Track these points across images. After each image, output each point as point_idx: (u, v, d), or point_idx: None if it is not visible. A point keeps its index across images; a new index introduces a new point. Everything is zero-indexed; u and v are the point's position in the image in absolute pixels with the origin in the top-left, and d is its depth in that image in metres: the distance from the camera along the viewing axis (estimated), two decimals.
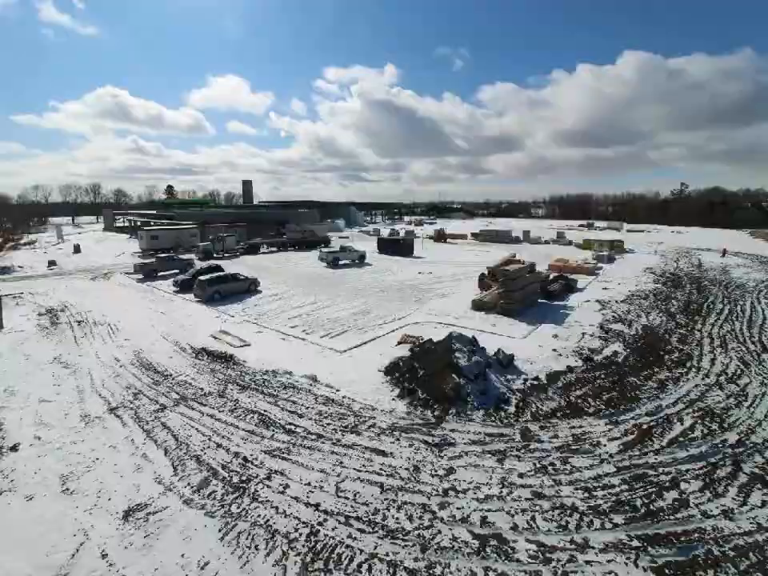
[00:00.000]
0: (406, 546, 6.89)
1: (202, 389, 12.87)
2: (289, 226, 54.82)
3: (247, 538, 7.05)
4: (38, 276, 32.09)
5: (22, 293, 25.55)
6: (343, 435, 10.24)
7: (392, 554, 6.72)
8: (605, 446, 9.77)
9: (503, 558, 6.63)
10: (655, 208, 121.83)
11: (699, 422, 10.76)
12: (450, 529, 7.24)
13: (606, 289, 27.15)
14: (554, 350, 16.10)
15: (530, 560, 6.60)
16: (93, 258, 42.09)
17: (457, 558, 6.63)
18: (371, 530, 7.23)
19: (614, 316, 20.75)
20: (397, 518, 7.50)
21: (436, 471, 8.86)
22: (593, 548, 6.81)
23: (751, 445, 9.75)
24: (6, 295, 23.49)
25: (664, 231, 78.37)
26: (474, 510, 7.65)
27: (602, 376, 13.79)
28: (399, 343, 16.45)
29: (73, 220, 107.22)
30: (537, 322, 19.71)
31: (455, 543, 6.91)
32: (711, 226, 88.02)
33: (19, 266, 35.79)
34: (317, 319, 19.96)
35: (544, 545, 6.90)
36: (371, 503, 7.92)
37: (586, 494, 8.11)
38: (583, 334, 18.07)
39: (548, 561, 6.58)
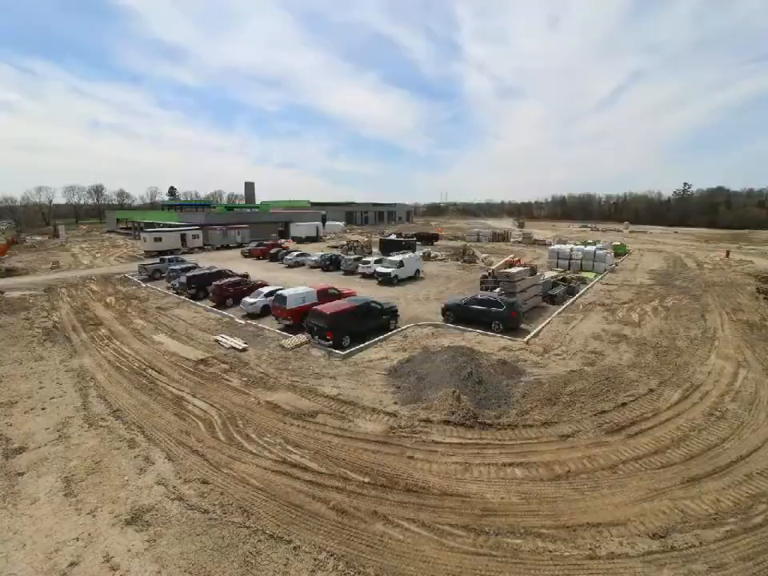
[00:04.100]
0: None
1: None
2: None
3: None
4: None
5: None
6: None
7: None
8: None
9: None
10: (657, 208, 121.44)
11: None
12: None
13: (608, 291, 27.12)
14: (557, 353, 16.11)
15: None
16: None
17: None
18: None
19: (615, 319, 20.73)
20: None
21: None
22: None
23: None
24: None
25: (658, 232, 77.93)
26: None
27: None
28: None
29: (76, 221, 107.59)
30: (537, 324, 19.71)
31: None
32: (714, 227, 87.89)
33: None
34: None
35: None
36: None
37: None
38: (585, 337, 18.08)
39: None
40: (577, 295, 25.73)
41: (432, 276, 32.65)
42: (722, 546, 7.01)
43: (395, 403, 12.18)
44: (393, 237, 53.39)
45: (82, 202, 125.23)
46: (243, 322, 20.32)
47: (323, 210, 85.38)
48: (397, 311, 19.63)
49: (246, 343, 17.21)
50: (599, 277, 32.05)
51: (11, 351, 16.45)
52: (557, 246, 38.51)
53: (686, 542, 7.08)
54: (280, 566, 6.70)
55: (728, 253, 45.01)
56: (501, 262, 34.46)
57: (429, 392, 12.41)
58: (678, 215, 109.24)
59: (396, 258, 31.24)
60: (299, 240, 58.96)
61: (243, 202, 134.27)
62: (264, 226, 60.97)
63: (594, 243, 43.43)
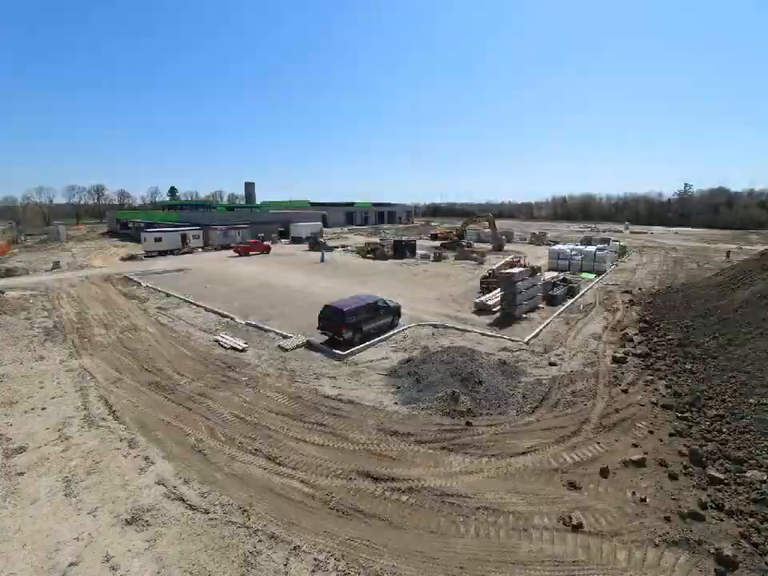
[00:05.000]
0: None
1: None
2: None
3: None
4: None
5: None
6: None
7: None
8: None
9: None
10: (658, 209, 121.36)
11: None
12: None
13: (609, 292, 27.10)
14: (557, 354, 16.10)
15: None
16: None
17: None
18: None
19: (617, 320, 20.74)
20: None
21: None
22: None
23: None
24: None
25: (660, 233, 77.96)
26: None
27: None
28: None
29: (77, 221, 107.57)
30: (537, 324, 19.72)
31: None
32: (715, 227, 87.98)
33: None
34: None
35: None
36: None
37: None
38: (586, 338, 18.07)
39: None
40: (577, 296, 25.73)
41: (433, 276, 32.71)
42: None
43: (395, 403, 12.19)
44: (404, 238, 53.52)
45: (82, 201, 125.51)
46: (243, 322, 20.34)
47: (323, 210, 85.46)
48: (400, 309, 20.07)
49: (246, 343, 17.23)
50: (599, 277, 32.03)
51: (11, 351, 16.46)
52: (557, 247, 38.52)
53: None
54: (280, 566, 6.71)
55: (728, 253, 44.95)
56: (501, 262, 34.49)
57: (429, 392, 12.42)
58: (678, 215, 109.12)
59: None
60: (299, 240, 58.99)
61: (243, 201, 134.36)
62: (264, 226, 60.98)
63: (595, 243, 43.41)
